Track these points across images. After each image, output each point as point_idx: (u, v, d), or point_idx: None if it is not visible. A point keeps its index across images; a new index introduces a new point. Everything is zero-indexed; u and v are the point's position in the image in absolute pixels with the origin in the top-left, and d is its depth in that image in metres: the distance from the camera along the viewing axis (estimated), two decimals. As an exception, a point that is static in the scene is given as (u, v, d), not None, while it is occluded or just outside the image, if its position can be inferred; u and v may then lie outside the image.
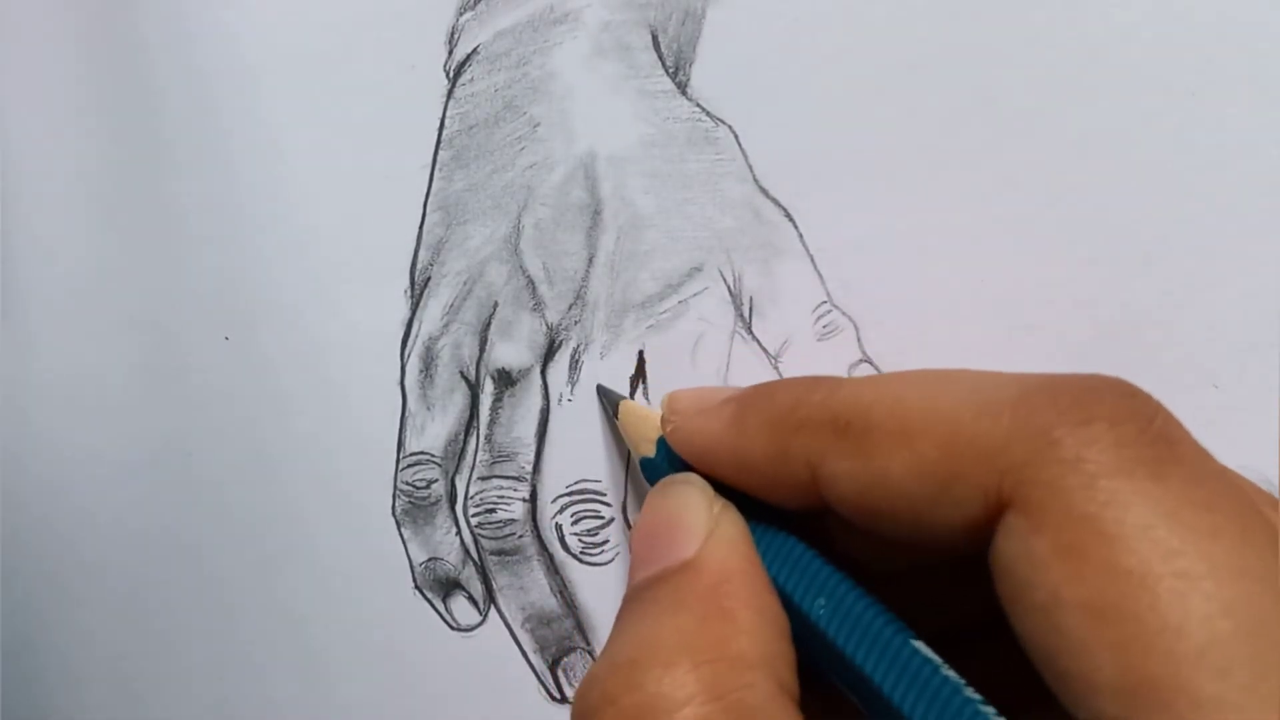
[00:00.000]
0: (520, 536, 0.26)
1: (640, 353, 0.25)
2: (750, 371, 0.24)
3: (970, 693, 0.14)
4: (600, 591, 0.25)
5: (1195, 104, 0.21)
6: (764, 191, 0.24)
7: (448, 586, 0.27)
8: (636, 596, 0.16)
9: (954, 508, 0.14)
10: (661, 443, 0.20)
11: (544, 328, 0.26)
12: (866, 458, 0.15)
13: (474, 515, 0.26)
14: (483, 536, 0.26)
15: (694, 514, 0.17)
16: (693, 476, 0.18)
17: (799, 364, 0.24)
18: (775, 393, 0.17)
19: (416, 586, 0.27)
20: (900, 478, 0.15)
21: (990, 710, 0.14)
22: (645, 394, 0.25)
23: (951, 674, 0.14)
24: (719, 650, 0.15)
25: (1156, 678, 0.12)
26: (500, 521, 0.26)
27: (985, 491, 0.14)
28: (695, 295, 0.24)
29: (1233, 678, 0.12)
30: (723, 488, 0.18)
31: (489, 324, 0.26)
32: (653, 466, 0.21)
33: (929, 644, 0.15)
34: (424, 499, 0.27)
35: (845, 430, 0.15)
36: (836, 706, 0.17)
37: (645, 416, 0.22)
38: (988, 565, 0.14)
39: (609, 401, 0.25)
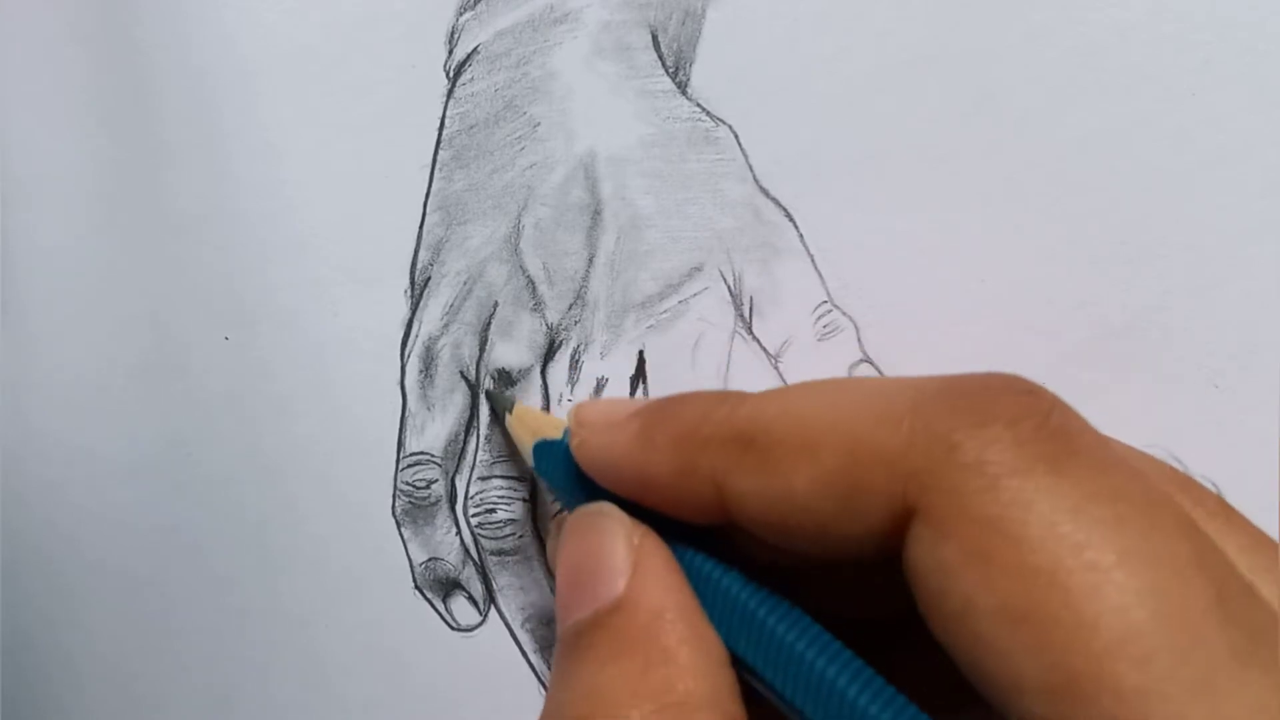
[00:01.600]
0: (520, 536, 0.26)
1: (640, 353, 0.25)
2: (751, 371, 0.24)
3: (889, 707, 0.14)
4: (600, 591, 0.25)
5: (1195, 104, 0.21)
6: (764, 191, 0.24)
7: (448, 586, 0.27)
8: (573, 643, 0.16)
9: (858, 519, 0.14)
10: (548, 450, 0.21)
11: (544, 328, 0.26)
12: (770, 474, 0.15)
13: (474, 515, 0.26)
14: (483, 536, 0.26)
15: (616, 548, 0.17)
16: (608, 506, 0.18)
17: (799, 364, 0.24)
18: (680, 408, 0.17)
19: (416, 586, 0.27)
20: (804, 492, 0.14)
21: None
22: (645, 394, 0.25)
23: (875, 689, 0.14)
24: (666, 696, 0.15)
25: (1079, 674, 0.12)
26: (500, 521, 0.26)
27: (889, 500, 0.14)
28: (695, 295, 0.24)
29: (1154, 666, 0.12)
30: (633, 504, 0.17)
31: (489, 324, 0.26)
32: (549, 473, 0.21)
33: (855, 639, 0.15)
34: (424, 499, 0.27)
35: (749, 446, 0.15)
36: None
37: (538, 421, 0.22)
38: (900, 572, 0.14)
39: (500, 405, 0.25)
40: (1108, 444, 0.14)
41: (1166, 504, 0.13)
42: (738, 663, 0.16)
